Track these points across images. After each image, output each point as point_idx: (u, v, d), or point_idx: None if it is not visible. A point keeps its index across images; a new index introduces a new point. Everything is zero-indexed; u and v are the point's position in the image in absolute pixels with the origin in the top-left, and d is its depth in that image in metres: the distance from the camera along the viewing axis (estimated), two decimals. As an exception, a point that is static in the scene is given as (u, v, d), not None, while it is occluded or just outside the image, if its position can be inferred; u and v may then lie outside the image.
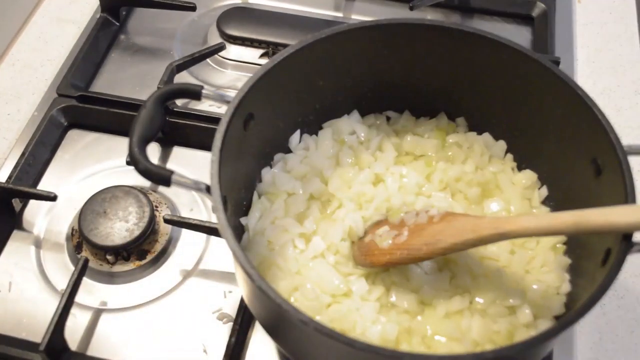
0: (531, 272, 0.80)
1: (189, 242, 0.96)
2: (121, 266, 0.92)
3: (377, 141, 0.90)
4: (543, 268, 0.80)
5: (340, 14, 1.27)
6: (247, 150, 0.82)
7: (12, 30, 1.20)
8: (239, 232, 0.83)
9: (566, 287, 0.78)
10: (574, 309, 0.65)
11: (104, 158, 1.05)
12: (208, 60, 1.16)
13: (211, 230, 0.91)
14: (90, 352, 0.86)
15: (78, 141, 1.08)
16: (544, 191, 0.87)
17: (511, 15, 1.28)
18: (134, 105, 1.05)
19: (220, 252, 0.95)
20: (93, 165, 1.04)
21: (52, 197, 0.94)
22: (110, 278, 0.92)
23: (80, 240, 0.93)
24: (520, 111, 0.86)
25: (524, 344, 0.63)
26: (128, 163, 0.97)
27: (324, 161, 0.88)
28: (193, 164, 1.04)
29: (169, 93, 0.77)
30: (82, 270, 0.86)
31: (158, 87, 1.04)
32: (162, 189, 1.01)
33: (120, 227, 0.91)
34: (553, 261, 0.80)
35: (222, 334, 0.87)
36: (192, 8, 1.18)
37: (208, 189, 0.70)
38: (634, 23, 1.26)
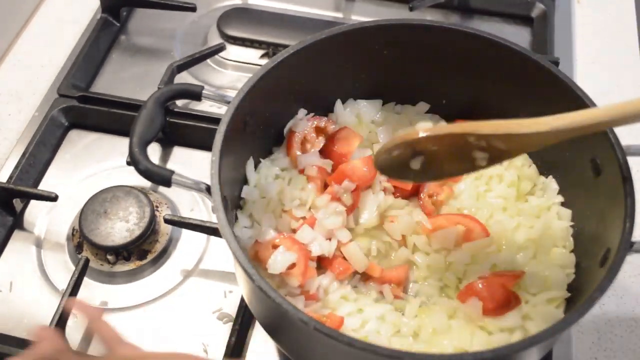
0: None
1: (189, 242, 0.96)
2: (122, 266, 0.92)
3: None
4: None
5: (340, 15, 1.27)
6: (247, 150, 0.83)
7: (13, 30, 1.21)
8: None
9: None
10: (574, 309, 0.65)
11: (105, 158, 1.05)
12: (208, 60, 1.16)
13: (211, 230, 0.91)
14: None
15: (79, 141, 1.08)
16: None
17: (510, 15, 1.28)
18: (134, 106, 1.05)
19: (220, 252, 0.95)
20: (94, 165, 1.05)
21: (52, 197, 0.95)
22: (110, 278, 0.92)
23: (80, 240, 0.94)
24: (520, 112, 0.86)
25: (523, 344, 0.63)
26: (128, 163, 0.97)
27: None
28: (193, 164, 1.04)
29: (170, 93, 0.78)
30: (82, 270, 0.87)
31: (158, 88, 1.04)
32: (162, 189, 1.01)
33: (120, 227, 0.92)
34: (546, 313, 0.78)
35: (222, 333, 0.87)
36: (193, 9, 1.18)
37: (208, 189, 0.70)
38: (633, 23, 1.26)
